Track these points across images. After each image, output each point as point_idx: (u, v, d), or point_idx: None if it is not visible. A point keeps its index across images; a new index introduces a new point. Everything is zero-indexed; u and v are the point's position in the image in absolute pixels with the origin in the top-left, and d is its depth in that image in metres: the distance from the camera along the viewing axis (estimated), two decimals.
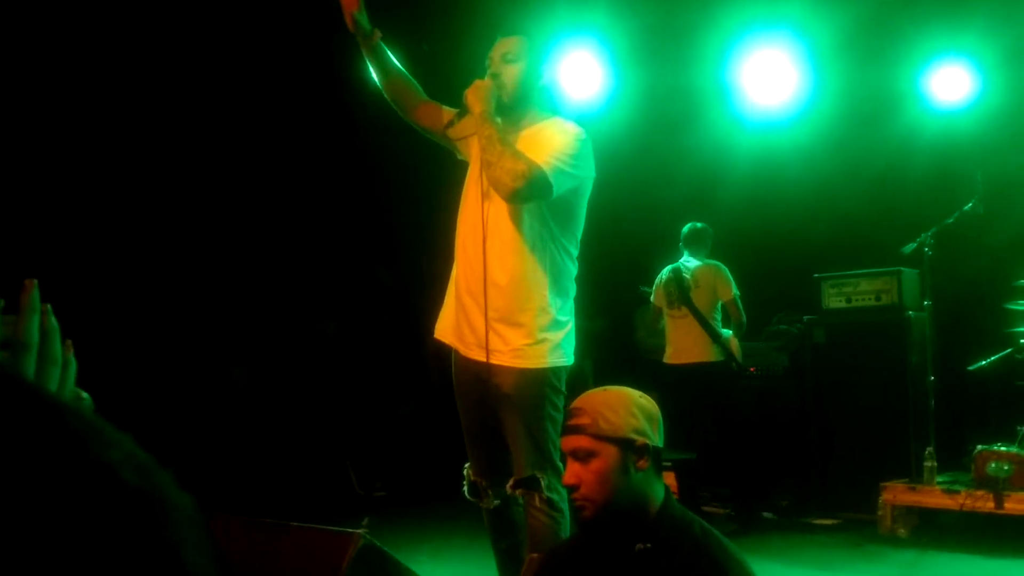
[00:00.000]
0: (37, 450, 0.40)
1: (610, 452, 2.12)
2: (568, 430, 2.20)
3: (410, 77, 3.60)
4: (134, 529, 0.41)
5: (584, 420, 2.15)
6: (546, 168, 3.10)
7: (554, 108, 3.44)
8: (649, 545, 2.11)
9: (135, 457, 0.44)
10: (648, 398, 2.24)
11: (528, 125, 3.33)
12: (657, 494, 2.18)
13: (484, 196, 3.27)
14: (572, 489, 2.16)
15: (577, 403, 2.22)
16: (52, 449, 0.41)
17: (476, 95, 3.23)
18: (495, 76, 3.29)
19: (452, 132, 3.45)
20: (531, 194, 3.14)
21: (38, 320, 0.80)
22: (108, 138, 7.00)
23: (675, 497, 2.26)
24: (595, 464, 2.12)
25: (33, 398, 0.44)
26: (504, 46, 3.33)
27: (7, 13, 6.08)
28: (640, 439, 2.14)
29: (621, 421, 2.14)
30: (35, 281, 0.80)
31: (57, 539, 0.39)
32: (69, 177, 6.88)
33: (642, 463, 2.14)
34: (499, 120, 3.27)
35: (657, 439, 2.19)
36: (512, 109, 3.32)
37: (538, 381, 3.21)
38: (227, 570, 0.46)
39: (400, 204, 8.29)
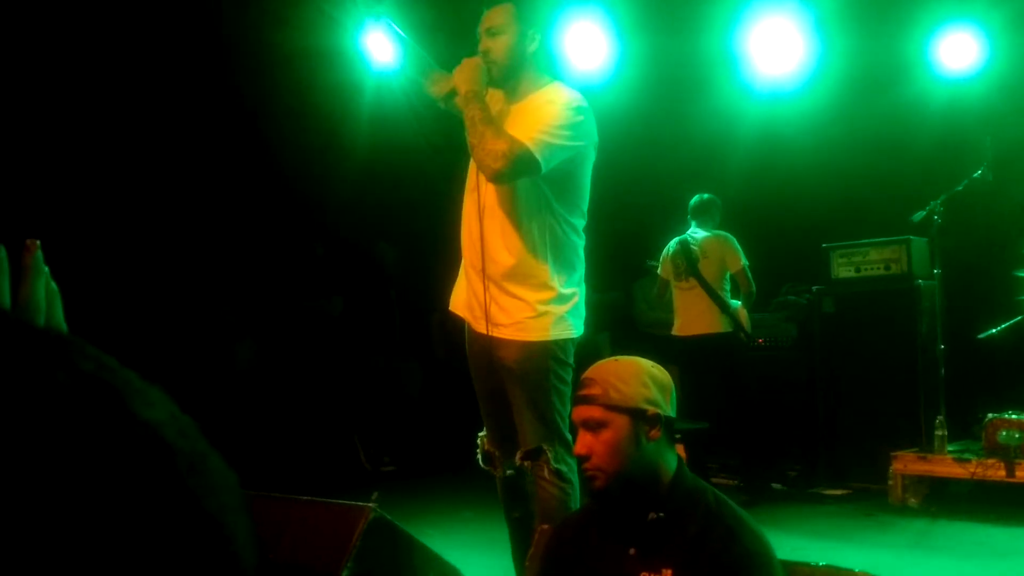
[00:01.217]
0: (76, 406, 0.40)
1: (621, 422, 2.10)
2: (579, 400, 2.18)
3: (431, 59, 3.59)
4: (175, 490, 0.40)
5: (595, 390, 2.13)
6: (530, 144, 3.03)
7: (551, 72, 3.38)
8: (662, 515, 2.10)
9: (177, 419, 0.43)
10: (660, 368, 2.22)
11: (527, 93, 3.27)
12: (670, 464, 2.16)
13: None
14: (583, 459, 2.14)
15: (588, 373, 2.20)
16: (91, 406, 0.40)
17: (463, 75, 3.18)
18: (484, 53, 3.24)
19: (451, 106, 3.40)
20: (515, 173, 3.09)
21: (44, 283, 0.77)
22: (109, 122, 6.97)
23: (687, 467, 2.25)
24: (606, 434, 2.11)
25: (73, 355, 0.42)
26: (489, 19, 3.26)
27: None
28: (651, 409, 2.12)
29: (632, 391, 2.12)
30: (38, 242, 0.77)
31: (94, 497, 0.38)
32: (69, 157, 6.85)
33: (654, 433, 2.12)
34: (490, 93, 3.23)
35: (669, 409, 2.17)
36: (507, 81, 3.27)
37: (541, 353, 3.20)
38: (257, 538, 0.45)
39: (403, 179, 8.25)
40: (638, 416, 2.11)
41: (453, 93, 3.35)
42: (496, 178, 3.11)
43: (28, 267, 0.75)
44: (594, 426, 2.12)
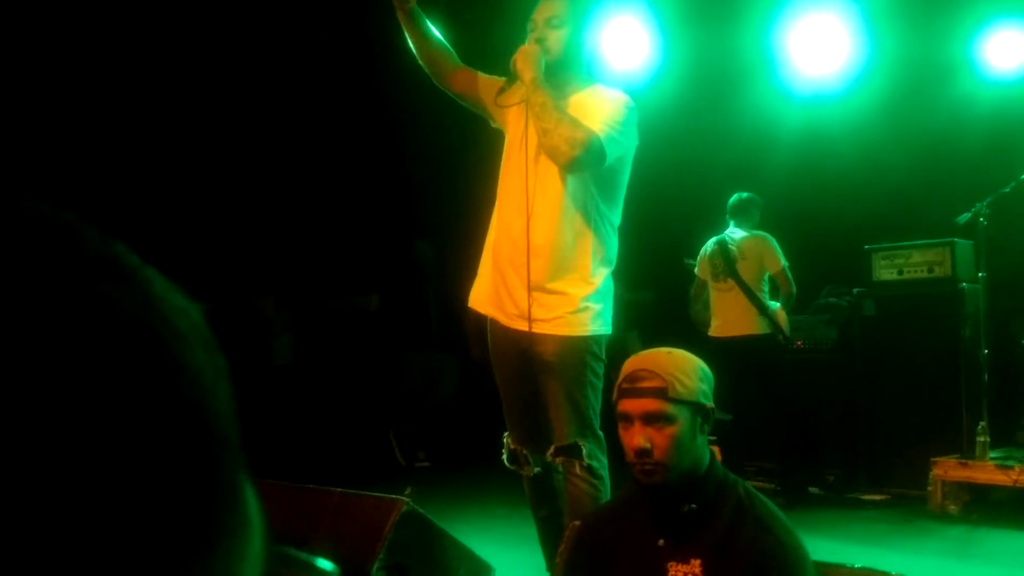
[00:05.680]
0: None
1: (685, 417, 2.08)
2: (638, 392, 2.10)
3: (445, 42, 3.52)
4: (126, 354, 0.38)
5: (658, 383, 2.07)
6: (601, 136, 3.06)
7: (594, 75, 3.39)
8: (694, 507, 2.08)
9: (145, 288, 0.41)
10: (702, 360, 2.22)
11: (571, 92, 3.27)
12: (706, 456, 2.16)
13: (529, 164, 3.21)
14: (644, 452, 2.06)
15: (644, 364, 2.13)
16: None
17: (526, 61, 3.16)
18: (540, 41, 3.23)
19: (501, 100, 3.37)
20: (588, 162, 3.10)
21: None
22: (152, 108, 7.05)
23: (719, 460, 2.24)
24: (670, 429, 2.06)
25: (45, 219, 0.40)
26: (548, 10, 3.26)
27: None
28: (708, 404, 2.13)
29: (695, 385, 2.10)
30: None
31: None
32: (119, 136, 6.95)
33: (706, 426, 2.12)
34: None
35: (713, 402, 2.18)
36: (556, 75, 3.25)
37: (580, 348, 3.20)
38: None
39: (437, 176, 8.27)
40: (698, 410, 2.10)
41: (503, 90, 3.31)
42: (570, 165, 3.11)
43: None
44: (658, 419, 2.07)
